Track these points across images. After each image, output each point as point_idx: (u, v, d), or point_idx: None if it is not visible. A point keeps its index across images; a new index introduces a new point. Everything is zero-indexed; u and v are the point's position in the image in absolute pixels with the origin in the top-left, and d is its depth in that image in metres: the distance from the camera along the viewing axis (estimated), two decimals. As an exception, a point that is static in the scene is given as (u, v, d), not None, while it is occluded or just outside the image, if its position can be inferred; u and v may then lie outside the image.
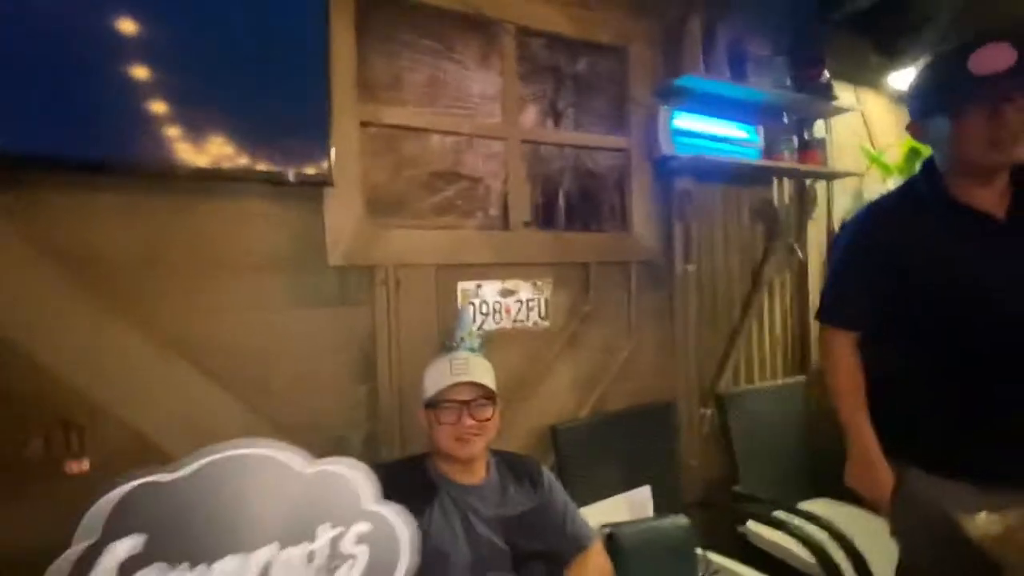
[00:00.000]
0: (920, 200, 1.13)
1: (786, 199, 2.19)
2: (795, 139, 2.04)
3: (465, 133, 1.50)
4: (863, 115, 2.45)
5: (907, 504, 1.09)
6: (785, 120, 2.15)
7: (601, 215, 1.76)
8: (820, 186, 2.30)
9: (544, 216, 1.65)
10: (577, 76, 1.71)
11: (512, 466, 1.21)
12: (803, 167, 2.03)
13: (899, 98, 2.46)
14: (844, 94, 2.34)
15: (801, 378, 2.15)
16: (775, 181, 2.15)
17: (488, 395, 1.13)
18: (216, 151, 1.13)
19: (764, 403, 2.00)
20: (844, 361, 1.17)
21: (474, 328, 1.30)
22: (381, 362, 1.39)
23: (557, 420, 1.60)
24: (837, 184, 2.32)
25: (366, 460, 1.34)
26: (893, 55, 2.34)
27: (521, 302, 1.59)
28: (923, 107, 1.12)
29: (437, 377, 1.13)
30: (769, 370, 2.16)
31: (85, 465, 1.11)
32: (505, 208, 1.57)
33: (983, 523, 1.03)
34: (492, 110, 1.55)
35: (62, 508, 1.08)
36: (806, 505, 1.75)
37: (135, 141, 1.08)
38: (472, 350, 1.19)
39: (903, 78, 2.32)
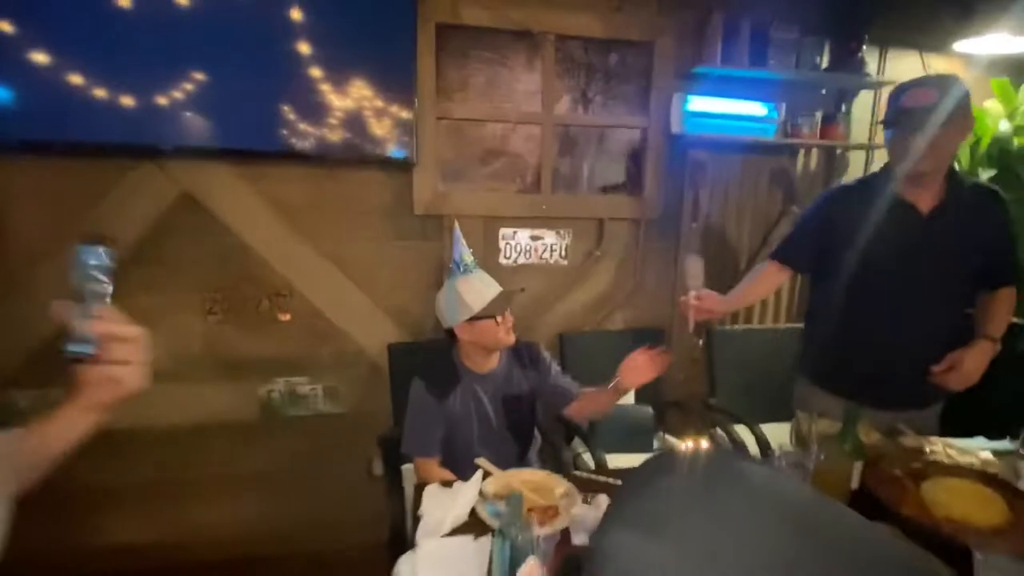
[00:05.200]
0: (872, 187, 1.51)
1: (811, 166, 2.42)
2: (818, 114, 2.24)
3: (511, 121, 2.09)
4: (928, 80, 2.46)
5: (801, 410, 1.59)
6: (824, 92, 2.34)
7: (618, 181, 2.25)
8: (859, 153, 2.46)
9: (569, 182, 2.21)
10: (607, 69, 2.16)
11: (517, 353, 1.52)
12: (815, 142, 2.25)
13: (972, 63, 2.41)
14: (909, 60, 2.41)
15: (799, 325, 2.49)
16: (801, 151, 2.39)
17: (510, 300, 1.41)
18: (344, 142, 1.89)
19: (753, 342, 2.42)
20: (769, 272, 1.66)
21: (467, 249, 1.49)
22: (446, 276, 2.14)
23: (565, 331, 2.26)
24: (879, 151, 2.45)
25: (432, 337, 2.17)
26: (966, 18, 2.29)
27: (546, 245, 2.22)
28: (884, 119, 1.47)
29: (478, 297, 1.36)
30: (771, 316, 2.55)
31: (288, 317, 2.06)
32: (538, 176, 2.16)
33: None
34: (533, 102, 2.10)
35: (277, 338, 2.07)
36: (765, 426, 2.23)
37: (307, 138, 1.87)
38: (480, 269, 1.45)
39: (975, 43, 2.27)
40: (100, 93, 1.70)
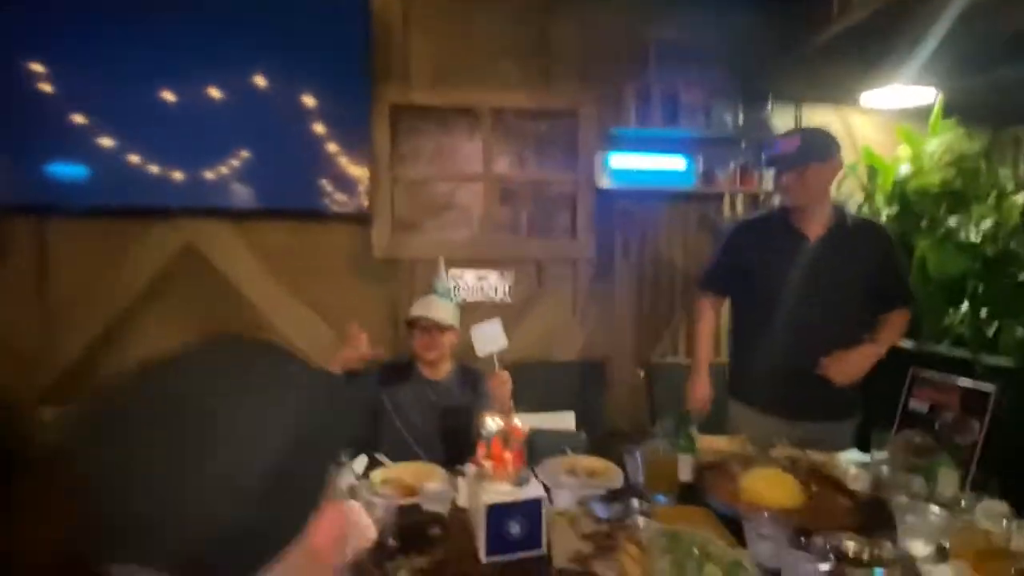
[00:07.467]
0: (769, 220, 1.75)
1: (738, 211, 2.66)
2: (733, 165, 2.50)
3: (456, 179, 2.47)
4: (847, 128, 2.70)
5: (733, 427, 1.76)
6: (743, 146, 2.60)
7: (553, 228, 2.57)
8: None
9: (512, 228, 2.54)
10: (539, 133, 2.53)
11: (465, 375, 1.80)
12: (734, 189, 2.50)
13: (880, 114, 2.63)
14: (823, 113, 2.67)
15: (722, 360, 2.64)
16: (725, 197, 2.64)
17: (440, 327, 1.68)
18: (312, 200, 2.31)
19: (685, 374, 2.58)
20: (706, 314, 1.84)
21: (447, 282, 1.79)
22: (400, 311, 2.47)
23: (515, 362, 2.52)
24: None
25: (390, 359, 2.48)
26: (873, 74, 2.53)
27: (491, 285, 2.52)
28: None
29: (418, 309, 1.71)
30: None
31: (265, 347, 2.43)
32: (482, 225, 2.50)
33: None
34: (476, 163, 2.48)
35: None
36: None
37: (283, 197, 2.30)
38: (440, 296, 1.73)
39: (878, 95, 2.49)
40: (131, 165, 2.21)
